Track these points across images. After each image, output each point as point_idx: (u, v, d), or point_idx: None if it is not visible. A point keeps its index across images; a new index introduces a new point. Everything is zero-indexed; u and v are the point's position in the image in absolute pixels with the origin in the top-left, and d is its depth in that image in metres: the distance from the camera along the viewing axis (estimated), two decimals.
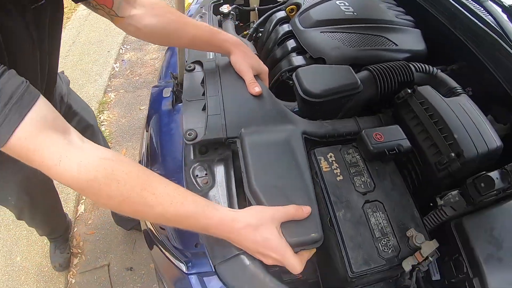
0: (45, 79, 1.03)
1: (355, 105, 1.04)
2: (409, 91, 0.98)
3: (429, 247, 0.75)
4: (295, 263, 0.69)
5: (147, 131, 1.26)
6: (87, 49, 3.66)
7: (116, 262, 2.09)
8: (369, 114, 1.06)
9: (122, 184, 0.63)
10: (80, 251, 2.13)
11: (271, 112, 0.94)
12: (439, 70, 1.12)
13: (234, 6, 1.61)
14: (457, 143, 0.87)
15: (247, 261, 0.76)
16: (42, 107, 0.64)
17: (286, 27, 1.33)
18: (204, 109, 0.93)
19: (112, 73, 3.44)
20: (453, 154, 0.85)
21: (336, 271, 0.79)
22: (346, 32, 1.19)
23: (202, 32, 0.99)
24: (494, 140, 0.89)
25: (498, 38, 1.09)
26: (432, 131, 0.91)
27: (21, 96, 0.62)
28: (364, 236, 0.78)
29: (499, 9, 1.19)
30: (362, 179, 0.86)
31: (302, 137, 0.90)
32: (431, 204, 0.89)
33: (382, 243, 0.78)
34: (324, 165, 0.87)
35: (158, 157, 1.12)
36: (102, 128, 2.83)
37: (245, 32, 1.63)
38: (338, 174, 0.86)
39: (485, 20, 1.16)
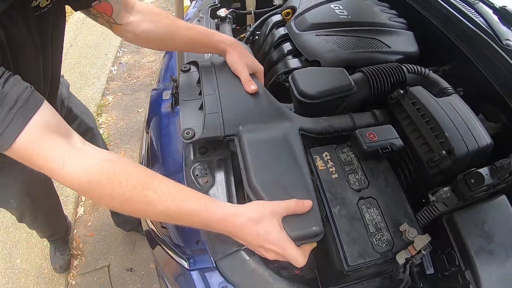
0: (48, 84, 1.05)
1: (349, 106, 1.07)
2: (402, 91, 1.02)
3: (421, 241, 0.78)
4: (297, 256, 0.70)
5: (147, 132, 1.28)
6: (84, 52, 3.68)
7: (116, 263, 2.11)
8: None
9: (123, 184, 0.65)
10: (80, 253, 2.15)
11: (267, 110, 0.95)
12: (430, 71, 1.15)
13: (231, 9, 1.64)
14: (448, 141, 0.90)
15: (247, 257, 0.79)
16: (46, 112, 0.66)
17: (282, 31, 1.36)
18: (201, 108, 0.94)
19: (109, 76, 3.46)
20: (444, 152, 0.88)
21: (333, 265, 0.81)
22: (341, 35, 1.22)
23: (197, 34, 1.01)
24: (484, 138, 0.93)
25: (488, 39, 1.12)
26: (424, 130, 0.94)
27: (26, 101, 0.64)
28: (359, 231, 0.81)
29: (490, 11, 1.22)
30: (357, 177, 0.89)
31: (299, 134, 0.92)
32: (424, 200, 0.92)
33: (377, 237, 0.80)
34: (319, 163, 0.90)
35: (159, 158, 1.15)
36: (101, 131, 2.85)
37: (242, 35, 1.66)
38: (333, 172, 0.89)
39: (476, 21, 1.19)
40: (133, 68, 3.58)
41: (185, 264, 0.88)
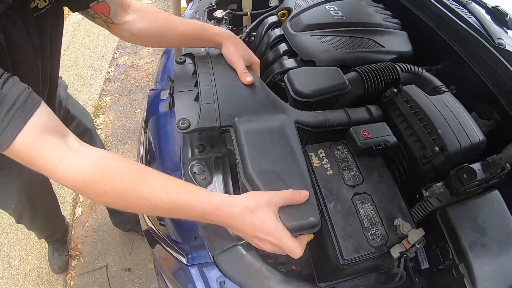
0: (47, 85, 1.06)
1: (344, 104, 1.09)
2: (395, 90, 1.04)
3: (415, 235, 0.79)
4: (294, 247, 0.69)
5: (145, 132, 1.29)
6: (81, 53, 3.69)
7: (114, 263, 2.12)
8: None
9: (117, 180, 0.66)
10: (78, 253, 2.16)
11: (264, 101, 0.96)
12: (424, 70, 1.17)
13: (227, 11, 1.65)
14: (440, 137, 0.91)
15: (244, 251, 0.81)
16: (43, 113, 0.68)
17: (277, 31, 1.37)
18: (196, 99, 0.94)
19: (107, 77, 3.47)
20: (437, 148, 0.90)
21: (329, 260, 0.83)
22: (335, 36, 1.24)
23: (193, 29, 1.02)
24: (476, 135, 0.94)
25: (481, 39, 1.14)
26: (417, 127, 0.96)
27: (24, 102, 0.65)
28: (354, 226, 0.82)
29: (482, 11, 1.24)
30: (351, 173, 0.91)
31: (295, 126, 0.92)
32: (417, 196, 0.94)
33: (371, 232, 0.82)
34: (315, 160, 0.92)
35: (157, 157, 1.16)
36: (98, 132, 2.85)
37: (238, 36, 1.67)
38: (328, 169, 0.91)
39: (469, 21, 1.21)
40: (130, 69, 3.59)
41: (184, 260, 0.89)
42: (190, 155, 0.98)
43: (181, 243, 0.94)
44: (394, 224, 0.83)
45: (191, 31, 1.02)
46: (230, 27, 1.67)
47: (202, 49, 1.16)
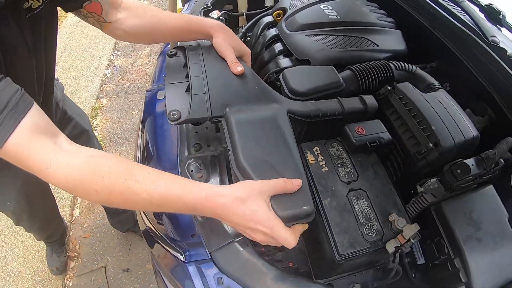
0: (43, 86, 1.06)
1: None
2: (389, 88, 1.05)
3: (410, 230, 0.80)
4: (287, 236, 0.67)
5: (142, 132, 1.30)
6: (78, 55, 3.69)
7: (112, 264, 2.12)
8: None
9: (106, 178, 0.66)
10: (76, 254, 2.16)
11: (255, 91, 0.94)
12: (418, 68, 1.18)
13: (223, 12, 1.66)
14: (434, 134, 0.93)
15: (240, 248, 0.82)
16: (35, 114, 0.68)
17: (273, 31, 1.37)
18: (187, 90, 0.92)
19: (104, 79, 3.47)
20: (430, 144, 0.91)
21: (325, 256, 0.84)
22: (330, 35, 1.25)
23: (182, 22, 1.02)
24: (470, 130, 0.96)
25: (475, 36, 1.15)
26: (411, 123, 0.97)
27: (16, 103, 0.66)
28: (349, 221, 0.83)
29: (476, 9, 1.26)
30: (346, 170, 0.92)
31: (288, 115, 0.90)
32: (412, 192, 0.95)
33: (366, 227, 0.83)
34: (310, 158, 0.93)
35: (154, 156, 1.16)
36: (95, 133, 2.86)
37: None
38: (323, 166, 0.92)
39: (462, 19, 1.22)
40: (127, 71, 3.60)
41: (181, 258, 0.90)
42: (187, 154, 0.99)
43: (179, 241, 0.95)
44: (389, 219, 0.84)
45: (181, 25, 1.02)
46: None
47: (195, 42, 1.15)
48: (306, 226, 0.76)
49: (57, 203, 1.87)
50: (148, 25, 1.01)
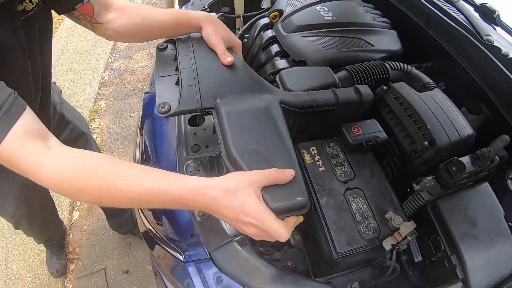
0: (39, 89, 1.07)
1: None
2: (385, 87, 1.06)
3: (407, 227, 0.81)
4: (279, 229, 0.65)
5: (141, 134, 1.31)
6: (76, 58, 3.69)
7: (112, 266, 2.12)
8: None
9: (94, 177, 0.66)
10: (76, 257, 2.16)
11: (247, 82, 0.93)
12: (413, 68, 1.19)
13: (220, 14, 1.67)
14: (430, 132, 0.93)
15: (239, 247, 0.82)
16: (28, 118, 0.69)
17: (269, 33, 1.39)
18: (177, 83, 0.91)
19: (101, 81, 3.47)
20: (426, 143, 0.92)
21: (323, 254, 0.85)
22: (326, 36, 1.26)
23: (171, 17, 1.01)
24: (465, 129, 0.97)
25: (469, 36, 1.16)
26: (407, 123, 0.98)
27: (9, 107, 0.67)
28: (346, 220, 0.84)
29: (471, 8, 1.27)
30: (343, 169, 0.93)
31: (280, 106, 0.88)
32: (408, 190, 0.96)
33: (363, 225, 0.84)
34: (307, 157, 0.94)
35: (153, 157, 1.17)
36: (94, 136, 2.85)
37: None
38: (320, 165, 0.93)
39: (457, 19, 1.23)
40: (125, 73, 3.60)
41: (181, 257, 0.91)
42: (185, 155, 1.00)
43: (178, 241, 0.96)
44: (386, 217, 0.85)
45: (170, 19, 1.01)
46: None
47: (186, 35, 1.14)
48: (300, 219, 0.74)
49: (56, 206, 1.87)
50: (137, 22, 1.00)
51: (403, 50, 1.31)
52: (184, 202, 0.66)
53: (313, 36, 1.26)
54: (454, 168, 0.88)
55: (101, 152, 2.15)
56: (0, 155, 0.66)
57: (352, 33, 1.28)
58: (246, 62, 1.06)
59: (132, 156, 1.48)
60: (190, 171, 0.95)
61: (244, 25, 1.64)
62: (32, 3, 0.86)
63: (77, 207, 2.41)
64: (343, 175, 0.91)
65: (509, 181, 1.00)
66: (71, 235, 2.27)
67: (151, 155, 1.18)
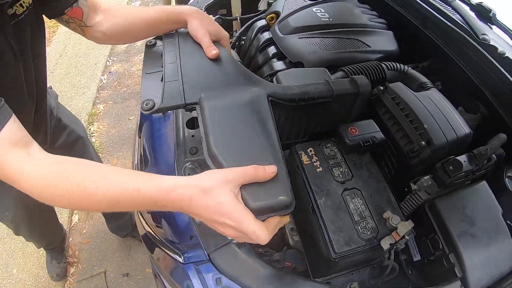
0: (34, 94, 1.07)
1: None
2: (382, 88, 1.06)
3: (404, 226, 0.82)
4: (257, 230, 0.61)
5: (139, 137, 1.31)
6: (74, 62, 3.69)
7: (112, 269, 2.13)
8: None
9: (65, 181, 0.65)
10: (76, 260, 2.17)
11: (233, 75, 0.89)
12: (409, 68, 1.20)
13: (217, 16, 1.68)
14: (426, 132, 0.94)
15: (237, 248, 0.83)
16: (12, 126, 0.70)
17: (266, 35, 1.39)
18: (162, 79, 0.88)
19: (100, 85, 3.48)
20: (423, 142, 0.93)
21: (321, 254, 0.85)
22: (323, 37, 1.26)
23: (156, 13, 0.99)
24: (462, 128, 0.97)
25: (465, 35, 1.17)
26: (404, 122, 0.98)
27: None
28: (344, 220, 0.85)
29: (466, 8, 1.27)
30: (340, 170, 0.93)
31: (268, 100, 0.84)
32: (406, 189, 0.96)
33: (361, 225, 0.84)
34: (304, 158, 0.94)
35: (152, 160, 1.18)
36: (93, 139, 2.87)
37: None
38: (318, 166, 0.93)
39: (453, 19, 1.24)
40: (123, 76, 3.61)
41: (180, 259, 0.91)
42: (183, 157, 1.00)
43: (178, 243, 0.96)
44: (384, 217, 0.85)
45: (155, 16, 0.98)
46: None
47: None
48: (285, 220, 0.70)
49: (56, 210, 1.87)
50: (123, 22, 0.99)
51: (399, 51, 1.31)
52: (158, 203, 0.64)
53: (309, 37, 1.27)
54: (451, 167, 0.88)
55: (99, 157, 2.15)
56: None
57: (349, 34, 1.29)
58: (244, 64, 1.05)
59: (131, 159, 1.48)
60: (189, 174, 0.95)
61: (241, 27, 1.64)
62: (23, 7, 0.86)
63: (76, 211, 2.40)
64: (340, 175, 0.92)
65: (506, 179, 1.01)
66: (70, 239, 2.27)
67: (150, 158, 1.19)
